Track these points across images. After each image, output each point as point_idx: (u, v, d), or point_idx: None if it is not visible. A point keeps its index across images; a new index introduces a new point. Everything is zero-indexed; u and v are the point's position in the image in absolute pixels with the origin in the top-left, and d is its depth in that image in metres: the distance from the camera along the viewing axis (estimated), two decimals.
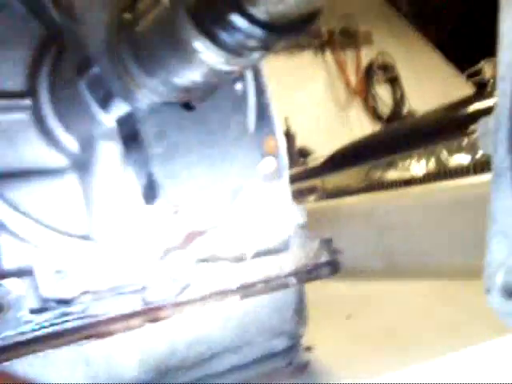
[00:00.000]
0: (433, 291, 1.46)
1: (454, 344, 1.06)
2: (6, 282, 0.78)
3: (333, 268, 1.03)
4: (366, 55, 6.23)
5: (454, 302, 1.34)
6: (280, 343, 1.07)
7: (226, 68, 0.56)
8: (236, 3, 0.48)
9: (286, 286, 0.97)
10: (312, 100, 5.69)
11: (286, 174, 0.98)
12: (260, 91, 0.93)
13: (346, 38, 6.04)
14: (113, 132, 0.77)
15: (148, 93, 0.66)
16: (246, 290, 0.94)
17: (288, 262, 0.99)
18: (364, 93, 6.18)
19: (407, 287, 1.56)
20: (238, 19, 0.49)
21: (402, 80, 6.23)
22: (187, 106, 0.71)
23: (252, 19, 0.48)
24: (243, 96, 0.83)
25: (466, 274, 1.50)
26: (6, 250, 0.80)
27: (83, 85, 0.74)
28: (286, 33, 0.51)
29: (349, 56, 6.17)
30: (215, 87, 0.71)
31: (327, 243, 1.05)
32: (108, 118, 0.75)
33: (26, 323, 0.79)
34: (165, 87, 0.64)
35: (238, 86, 0.78)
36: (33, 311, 0.80)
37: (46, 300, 0.81)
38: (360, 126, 5.97)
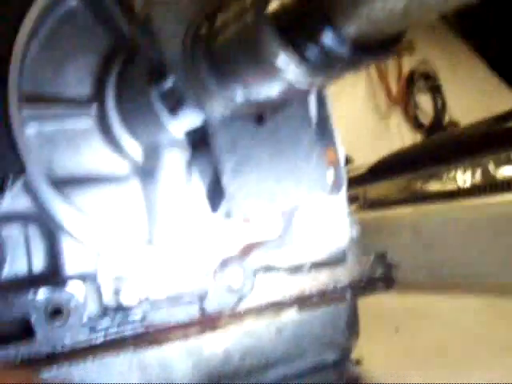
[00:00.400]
0: (483, 307, 1.44)
1: (508, 364, 1.05)
2: (68, 287, 0.80)
3: (388, 282, 1.03)
4: (408, 63, 6.17)
5: (506, 320, 1.32)
6: (331, 356, 1.06)
7: (305, 86, 0.55)
8: (327, 19, 0.47)
9: (341, 299, 0.97)
10: (352, 108, 5.66)
11: (345, 186, 0.98)
12: (321, 102, 0.93)
13: None
14: (180, 141, 0.78)
15: (221, 105, 0.66)
16: (302, 303, 0.94)
17: (344, 275, 0.98)
18: (405, 101, 6.12)
19: (456, 302, 1.54)
20: (327, 36, 0.48)
21: (443, 89, 6.16)
22: (259, 119, 0.70)
23: (342, 37, 0.48)
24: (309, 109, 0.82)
25: None
26: (70, 254, 0.81)
27: (154, 94, 0.74)
28: (374, 53, 0.50)
29: (390, 64, 6.11)
30: (289, 102, 0.71)
31: (382, 257, 1.04)
32: (177, 128, 0.76)
33: (85, 330, 0.79)
34: (238, 100, 0.64)
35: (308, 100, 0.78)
36: (93, 317, 0.81)
37: (106, 307, 0.82)
38: (400, 135, 5.92)
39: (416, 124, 6.09)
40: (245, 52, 0.57)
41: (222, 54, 0.61)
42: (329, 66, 0.52)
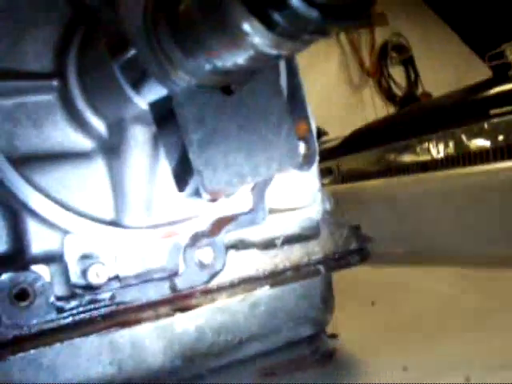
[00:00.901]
0: (458, 279, 1.44)
1: (482, 332, 1.05)
2: (34, 268, 0.77)
3: (362, 255, 1.02)
4: (381, 35, 6.16)
5: (479, 291, 1.32)
6: (306, 330, 1.05)
7: (274, 52, 0.53)
8: None
9: (315, 274, 0.96)
10: (325, 80, 5.64)
11: (317, 159, 0.96)
12: (292, 72, 0.91)
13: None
14: (145, 115, 0.75)
15: (186, 75, 0.63)
16: (276, 278, 0.93)
17: (317, 250, 0.97)
18: (378, 74, 6.13)
19: (431, 274, 1.55)
20: (294, 0, 0.46)
21: (416, 61, 6.17)
22: (226, 91, 0.68)
23: (310, 1, 0.46)
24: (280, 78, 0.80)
25: (491, 262, 1.49)
26: (34, 234, 0.78)
27: (116, 66, 0.71)
28: (344, 17, 0.48)
29: (363, 36, 6.10)
30: (257, 71, 0.69)
31: (356, 230, 1.03)
32: (141, 101, 0.73)
33: (53, 311, 0.77)
34: (204, 70, 0.61)
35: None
36: (60, 298, 0.78)
37: (73, 286, 0.79)
38: (373, 107, 5.94)
39: (389, 96, 6.11)
40: (209, 18, 0.55)
41: (185, 21, 0.58)
42: (298, 30, 0.49)
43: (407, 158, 2.43)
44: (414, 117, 2.86)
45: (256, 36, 0.51)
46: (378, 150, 2.61)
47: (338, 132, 3.64)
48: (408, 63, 6.22)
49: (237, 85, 0.68)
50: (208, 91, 0.67)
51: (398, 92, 6.16)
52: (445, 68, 5.91)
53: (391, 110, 5.94)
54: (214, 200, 0.76)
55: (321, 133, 4.34)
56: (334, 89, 5.78)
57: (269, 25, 0.49)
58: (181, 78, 0.64)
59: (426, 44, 6.15)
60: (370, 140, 2.78)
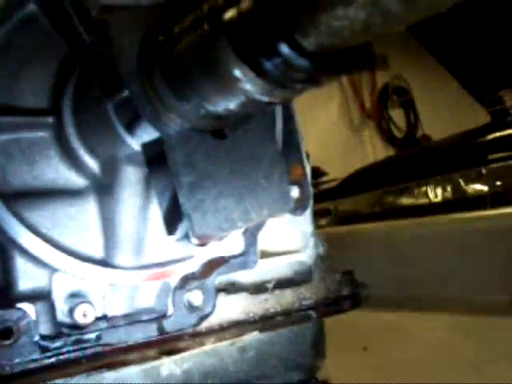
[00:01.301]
0: (452, 326, 1.42)
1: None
2: (19, 305, 0.76)
3: (355, 301, 1.00)
4: (382, 78, 6.21)
5: (475, 339, 1.30)
6: (296, 376, 1.03)
7: (265, 99, 0.53)
8: (284, 33, 0.45)
9: (306, 319, 0.94)
10: (326, 120, 5.67)
11: (311, 203, 0.96)
12: (288, 116, 0.90)
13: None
14: (138, 156, 0.75)
15: (178, 118, 0.63)
16: (266, 323, 0.91)
17: (309, 295, 0.96)
18: (378, 115, 6.16)
19: (424, 320, 1.53)
20: (285, 50, 0.45)
21: (416, 104, 6.21)
22: (219, 135, 0.68)
23: (301, 51, 0.45)
24: (274, 123, 0.80)
25: (488, 309, 1.47)
26: (22, 271, 0.77)
27: (110, 106, 0.71)
28: (336, 67, 0.48)
29: (364, 78, 6.15)
30: (250, 116, 0.69)
31: (349, 275, 1.02)
32: (134, 142, 0.73)
33: (38, 350, 0.76)
34: (197, 114, 0.61)
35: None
36: (45, 337, 0.77)
37: (59, 325, 0.78)
38: (373, 149, 5.96)
39: (389, 138, 6.13)
40: (201, 64, 0.55)
41: (178, 65, 0.58)
42: (289, 79, 0.49)
43: (405, 200, 2.43)
44: (413, 160, 2.87)
45: (247, 83, 0.51)
46: (376, 192, 2.61)
47: (337, 172, 3.65)
48: (408, 106, 6.26)
49: (230, 129, 0.68)
50: (200, 135, 0.66)
51: (398, 134, 6.19)
52: (444, 112, 5.96)
53: (391, 151, 5.96)
54: (203, 244, 0.75)
55: (320, 173, 4.35)
56: (334, 129, 5.80)
57: (259, 72, 0.49)
58: (173, 121, 0.64)
59: (426, 87, 6.20)
60: (368, 182, 2.79)
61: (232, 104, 0.56)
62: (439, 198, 2.27)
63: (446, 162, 2.45)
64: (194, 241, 0.69)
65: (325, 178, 3.95)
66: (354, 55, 0.49)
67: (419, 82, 6.19)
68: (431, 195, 2.31)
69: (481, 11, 4.60)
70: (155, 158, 0.71)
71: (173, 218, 0.73)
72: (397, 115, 6.22)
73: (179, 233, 0.74)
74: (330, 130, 5.70)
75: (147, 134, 0.70)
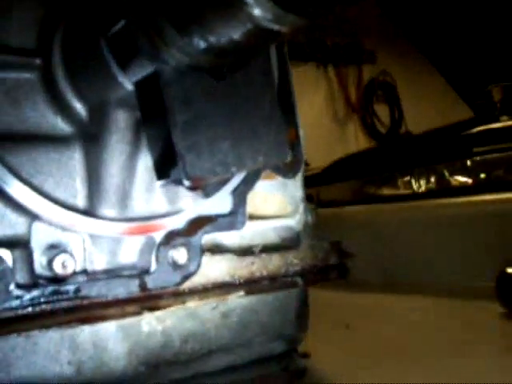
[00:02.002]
0: (431, 307, 1.42)
1: (455, 359, 1.03)
2: None
3: (341, 271, 0.98)
4: (368, 73, 6.22)
5: (453, 320, 1.30)
6: (278, 347, 1.01)
7: (272, 27, 0.50)
8: None
9: (293, 285, 0.92)
10: (311, 113, 5.66)
11: (302, 168, 0.93)
12: (285, 77, 0.88)
13: (350, 54, 6.03)
14: (129, 98, 0.71)
15: (177, 53, 0.59)
16: (251, 286, 0.88)
17: (296, 261, 0.93)
18: (362, 110, 6.17)
19: (405, 301, 1.52)
20: None
21: (401, 101, 6.23)
22: (217, 75, 0.64)
23: None
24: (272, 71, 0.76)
25: (466, 293, 1.47)
26: (0, 217, 0.74)
27: (104, 42, 0.67)
28: None
29: (351, 72, 6.16)
30: (250, 56, 0.65)
31: (337, 245, 0.99)
32: (127, 81, 0.69)
33: (12, 298, 0.72)
34: (197, 47, 0.58)
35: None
36: (21, 286, 0.73)
37: (37, 276, 0.74)
38: (356, 143, 5.96)
39: (372, 132, 6.14)
40: None
41: None
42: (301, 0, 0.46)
43: (387, 190, 2.41)
44: (396, 151, 2.86)
45: (256, 7, 0.48)
46: (358, 181, 2.60)
47: (318, 164, 3.63)
48: (393, 102, 6.28)
49: (229, 69, 0.65)
50: (198, 74, 0.63)
51: (382, 129, 6.21)
52: (429, 108, 5.97)
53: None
54: (194, 188, 0.72)
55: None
56: (318, 121, 5.79)
57: None
58: (171, 56, 0.60)
59: (411, 84, 6.22)
60: (350, 171, 2.77)
61: (236, 33, 0.53)
62: (423, 189, 2.26)
63: (431, 154, 2.45)
64: (186, 183, 0.66)
65: (308, 167, 3.93)
66: None
67: (405, 78, 6.21)
68: (415, 186, 2.30)
69: (468, 8, 4.62)
70: (148, 98, 0.68)
71: (165, 162, 0.70)
72: (381, 110, 6.23)
73: (171, 178, 0.71)
74: (315, 121, 5.68)
75: (142, 70, 0.66)
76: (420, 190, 2.25)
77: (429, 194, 2.17)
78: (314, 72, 5.91)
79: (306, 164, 3.28)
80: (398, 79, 6.22)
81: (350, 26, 5.67)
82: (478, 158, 2.11)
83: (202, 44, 0.57)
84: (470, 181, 2.08)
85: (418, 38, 6.09)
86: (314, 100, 5.86)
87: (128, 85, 0.69)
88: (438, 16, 5.22)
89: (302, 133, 0.93)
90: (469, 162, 2.12)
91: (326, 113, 6.00)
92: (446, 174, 2.17)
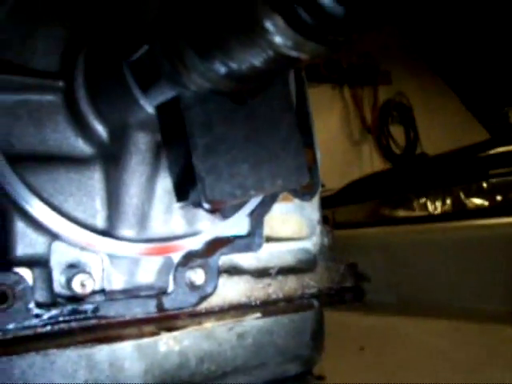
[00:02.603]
0: (447, 330, 1.41)
1: None
2: (16, 270, 0.73)
3: (357, 294, 0.98)
4: (384, 94, 6.23)
5: (468, 344, 1.29)
6: (293, 368, 1.01)
7: (293, 54, 0.51)
8: None
9: (308, 307, 0.92)
10: (326, 133, 5.66)
11: (319, 190, 0.93)
12: (302, 99, 0.89)
13: (366, 75, 6.04)
14: (150, 121, 0.72)
15: (198, 78, 0.60)
16: (268, 308, 0.89)
17: (312, 283, 0.93)
18: (378, 131, 6.17)
19: (421, 324, 1.51)
20: None
21: (417, 122, 6.22)
22: (238, 100, 0.65)
23: None
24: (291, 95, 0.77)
25: (482, 317, 1.46)
26: (21, 235, 0.75)
27: (126, 66, 0.69)
28: (369, 17, 0.46)
29: (366, 93, 6.17)
30: (270, 81, 0.66)
31: (353, 268, 0.99)
32: (149, 104, 0.70)
33: (32, 317, 0.73)
34: (218, 73, 0.59)
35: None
36: (40, 305, 0.74)
37: (56, 295, 0.75)
38: (371, 164, 5.95)
39: (387, 154, 6.13)
40: (229, 14, 0.53)
41: (202, 19, 0.56)
42: (321, 28, 0.47)
43: (402, 212, 2.41)
44: (412, 172, 2.86)
45: (277, 35, 0.49)
46: (374, 202, 2.59)
47: (334, 185, 3.63)
48: (408, 123, 6.27)
49: (249, 94, 0.66)
50: (219, 98, 0.64)
51: (397, 151, 6.19)
52: (444, 130, 5.96)
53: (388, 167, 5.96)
54: (213, 211, 0.73)
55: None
56: (333, 142, 5.79)
57: (292, 22, 0.47)
58: (192, 81, 0.61)
59: (427, 106, 6.21)
60: (365, 192, 2.77)
61: (257, 60, 0.54)
62: (438, 211, 2.26)
63: (447, 176, 2.44)
64: (205, 205, 0.67)
65: (321, 189, 3.93)
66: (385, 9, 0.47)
67: (421, 99, 6.20)
68: (430, 208, 2.29)
69: (484, 30, 4.63)
70: (169, 121, 0.69)
71: (184, 184, 0.71)
72: (396, 132, 6.23)
73: (190, 200, 0.71)
74: (330, 142, 5.68)
75: (163, 94, 0.67)
76: (436, 212, 2.24)
77: (444, 217, 2.16)
78: (330, 93, 5.93)
79: (322, 185, 3.28)
80: (414, 100, 6.21)
81: (365, 47, 5.69)
82: (494, 180, 2.11)
83: (223, 69, 0.58)
84: (486, 203, 2.07)
85: (433, 59, 6.10)
86: (330, 121, 5.87)
87: (149, 108, 0.71)
88: (454, 37, 5.23)
89: (319, 155, 0.93)
90: (485, 184, 2.11)
91: (341, 134, 6.00)
92: (462, 196, 2.17)
